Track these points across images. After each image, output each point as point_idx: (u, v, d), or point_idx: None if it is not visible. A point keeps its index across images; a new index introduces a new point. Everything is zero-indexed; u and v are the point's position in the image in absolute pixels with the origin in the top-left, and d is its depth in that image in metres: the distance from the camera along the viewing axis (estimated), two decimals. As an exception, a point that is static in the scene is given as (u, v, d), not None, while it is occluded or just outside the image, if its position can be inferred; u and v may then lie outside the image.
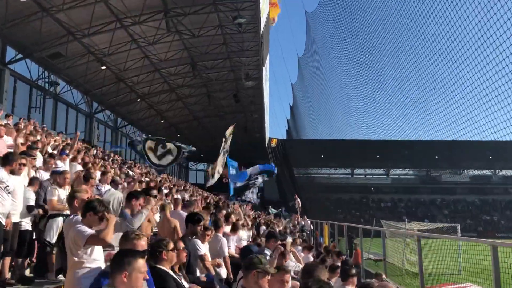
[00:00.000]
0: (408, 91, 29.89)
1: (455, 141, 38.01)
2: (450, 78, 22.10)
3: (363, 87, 38.98)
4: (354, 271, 5.46)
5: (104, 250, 4.18)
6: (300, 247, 11.00)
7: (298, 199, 22.06)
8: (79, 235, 3.85)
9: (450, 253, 14.96)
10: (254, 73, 35.08)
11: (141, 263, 2.85)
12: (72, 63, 27.67)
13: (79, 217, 4.11)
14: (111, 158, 23.27)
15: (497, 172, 64.93)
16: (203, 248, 6.07)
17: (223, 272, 6.76)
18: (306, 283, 3.48)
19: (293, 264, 6.55)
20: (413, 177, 68.07)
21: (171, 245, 4.16)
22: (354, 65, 37.69)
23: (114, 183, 9.80)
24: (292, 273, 6.42)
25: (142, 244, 3.50)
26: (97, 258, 3.95)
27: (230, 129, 13.18)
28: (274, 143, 60.17)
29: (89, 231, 3.87)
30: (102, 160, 17.57)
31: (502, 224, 56.03)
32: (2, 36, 22.92)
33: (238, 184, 15.44)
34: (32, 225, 6.91)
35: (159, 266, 4.03)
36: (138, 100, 37.81)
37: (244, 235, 10.18)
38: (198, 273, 5.33)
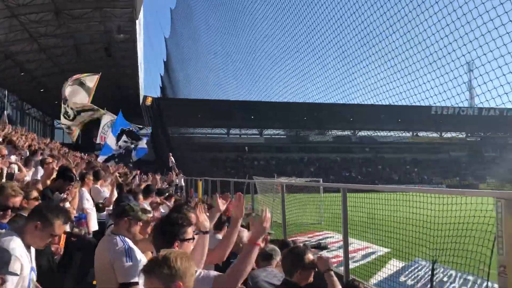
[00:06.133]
0: (282, 55, 31.34)
1: (322, 104, 41.20)
2: (321, 44, 23.57)
3: (233, 48, 39.76)
4: (225, 218, 5.65)
5: None
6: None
7: (172, 157, 21.89)
8: None
9: (313, 205, 16.25)
10: (127, 26, 33.15)
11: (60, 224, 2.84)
12: None
13: None
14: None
15: (356, 132, 71.91)
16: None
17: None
18: None
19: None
20: (284, 137, 71.86)
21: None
22: (224, 22, 37.85)
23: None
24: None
25: (16, 200, 3.20)
26: None
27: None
28: (149, 101, 58.46)
29: None
30: None
31: (359, 179, 62.66)
32: None
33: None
34: None
35: None
36: (-8, 48, 33.42)
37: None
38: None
